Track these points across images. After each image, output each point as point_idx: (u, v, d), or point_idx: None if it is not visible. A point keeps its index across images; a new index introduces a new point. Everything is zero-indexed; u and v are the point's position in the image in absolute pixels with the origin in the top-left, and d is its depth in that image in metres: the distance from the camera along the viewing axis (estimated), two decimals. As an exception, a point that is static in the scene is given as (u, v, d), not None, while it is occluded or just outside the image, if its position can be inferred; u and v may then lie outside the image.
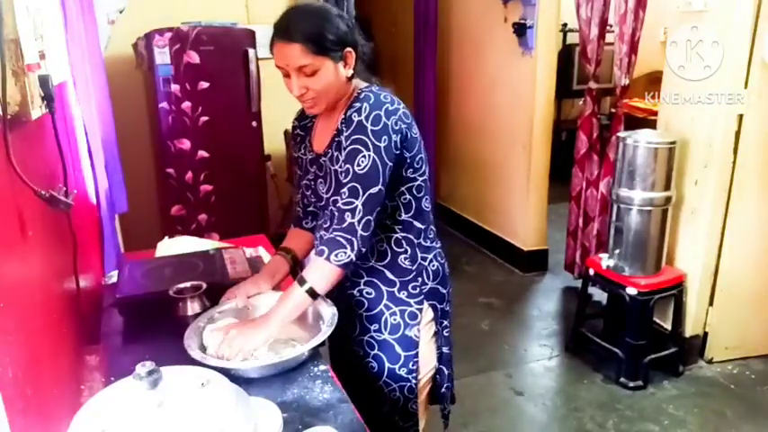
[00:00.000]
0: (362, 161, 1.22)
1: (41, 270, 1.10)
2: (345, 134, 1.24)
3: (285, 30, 1.22)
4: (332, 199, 1.33)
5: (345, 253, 1.22)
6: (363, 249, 1.24)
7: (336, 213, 1.25)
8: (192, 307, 1.42)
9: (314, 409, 1.09)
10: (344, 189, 1.23)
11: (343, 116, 1.28)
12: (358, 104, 1.24)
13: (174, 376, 0.80)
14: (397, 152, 1.26)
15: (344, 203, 1.23)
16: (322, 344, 1.24)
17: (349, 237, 1.22)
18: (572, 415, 2.44)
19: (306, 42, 1.20)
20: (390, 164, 1.25)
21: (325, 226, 1.39)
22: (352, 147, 1.23)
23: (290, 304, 1.27)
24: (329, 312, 1.29)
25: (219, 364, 1.12)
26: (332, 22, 1.24)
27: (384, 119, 1.23)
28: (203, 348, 1.22)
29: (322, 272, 1.25)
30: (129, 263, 1.67)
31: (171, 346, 1.21)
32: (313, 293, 1.26)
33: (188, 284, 1.47)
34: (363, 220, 1.22)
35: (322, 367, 1.22)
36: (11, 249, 0.90)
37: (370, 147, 1.22)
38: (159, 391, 0.76)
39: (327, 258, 1.23)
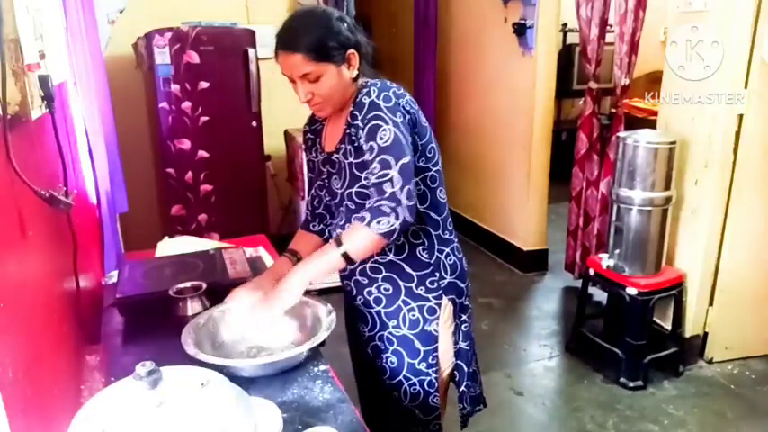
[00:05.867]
0: (384, 134, 1.20)
1: (41, 270, 1.10)
2: (360, 117, 1.24)
3: (287, 40, 1.24)
4: (346, 192, 1.33)
5: (389, 222, 1.17)
6: (411, 220, 1.20)
7: (373, 189, 1.21)
8: (192, 307, 1.43)
9: (314, 409, 1.09)
10: (374, 164, 1.20)
11: (351, 106, 1.28)
12: (365, 89, 1.25)
13: (174, 376, 0.80)
14: (410, 132, 1.25)
15: (378, 177, 1.20)
16: (322, 344, 1.24)
17: (393, 205, 1.17)
18: (572, 415, 2.44)
19: (307, 51, 1.22)
20: (410, 138, 1.24)
21: (340, 223, 1.38)
22: (371, 125, 1.22)
23: (320, 263, 1.24)
24: (326, 314, 1.30)
25: (215, 361, 1.12)
26: (332, 29, 1.25)
27: (394, 98, 1.24)
28: (199, 345, 1.21)
29: (361, 238, 1.20)
30: (129, 263, 1.67)
31: (171, 346, 1.20)
32: (347, 258, 1.22)
33: (188, 284, 1.47)
34: (405, 189, 1.18)
35: (322, 367, 1.22)
36: (11, 249, 0.90)
37: (389, 121, 1.21)
38: (159, 391, 0.76)
39: (368, 224, 1.18)
